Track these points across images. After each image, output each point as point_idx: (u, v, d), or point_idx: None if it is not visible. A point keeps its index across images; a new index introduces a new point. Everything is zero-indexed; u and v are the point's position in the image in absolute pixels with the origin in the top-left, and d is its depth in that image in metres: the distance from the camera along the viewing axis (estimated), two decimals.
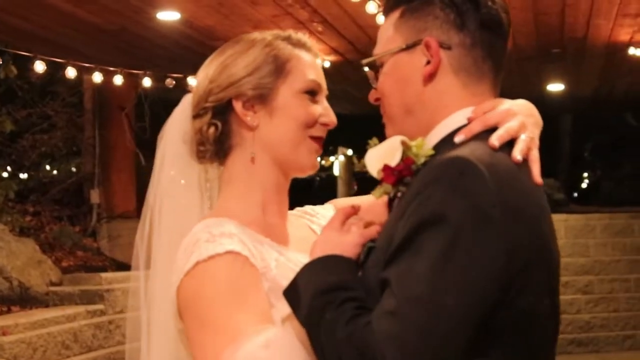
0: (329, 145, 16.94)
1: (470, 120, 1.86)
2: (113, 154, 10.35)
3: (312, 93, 2.16)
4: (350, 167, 17.19)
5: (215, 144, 2.15)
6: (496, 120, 1.83)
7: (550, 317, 1.83)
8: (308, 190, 16.31)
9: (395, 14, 1.97)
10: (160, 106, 10.88)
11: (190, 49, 9.58)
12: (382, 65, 1.98)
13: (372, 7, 7.40)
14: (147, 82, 9.51)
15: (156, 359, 2.15)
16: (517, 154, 1.79)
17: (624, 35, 8.99)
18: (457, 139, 1.83)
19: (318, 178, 16.48)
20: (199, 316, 1.93)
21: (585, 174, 20.45)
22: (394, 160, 1.84)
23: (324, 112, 2.17)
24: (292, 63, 2.16)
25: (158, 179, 2.21)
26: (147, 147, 10.73)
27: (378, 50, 1.99)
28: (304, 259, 1.90)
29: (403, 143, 1.84)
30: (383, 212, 2.05)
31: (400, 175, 1.82)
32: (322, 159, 16.84)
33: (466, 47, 1.90)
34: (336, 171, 17.10)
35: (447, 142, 1.85)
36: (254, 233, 2.06)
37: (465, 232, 1.64)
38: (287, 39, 2.20)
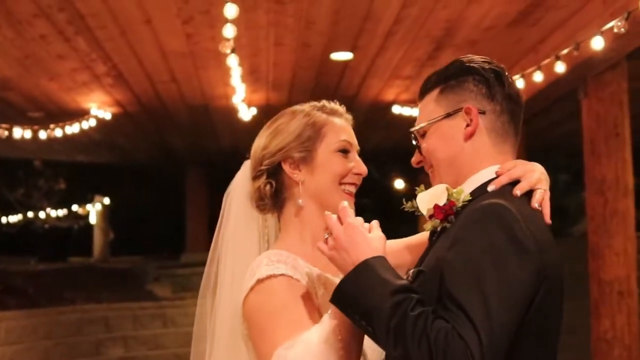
0: (86, 194, 17.06)
1: (498, 174, 2.46)
2: None
3: (344, 151, 2.69)
4: (108, 215, 17.38)
5: (272, 198, 2.67)
6: (518, 175, 2.44)
7: (558, 330, 2.43)
8: (66, 238, 16.35)
9: (434, 93, 2.55)
10: None
11: None
12: (425, 133, 2.56)
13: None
14: None
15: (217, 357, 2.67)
16: (535, 202, 2.40)
17: (390, 95, 9.93)
18: (490, 188, 2.43)
19: (76, 226, 16.54)
20: (259, 327, 2.45)
21: None
22: (441, 202, 2.43)
23: (356, 164, 2.70)
24: (326, 128, 2.67)
25: (225, 227, 2.73)
26: None
27: (422, 121, 2.57)
28: None
29: (447, 189, 2.44)
30: (399, 253, 2.74)
31: (446, 213, 2.42)
32: (79, 207, 16.95)
33: (496, 113, 2.50)
34: (93, 219, 17.22)
35: (480, 190, 2.45)
36: (305, 262, 2.58)
37: (509, 258, 2.22)
38: (322, 109, 2.71)
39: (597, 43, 5.87)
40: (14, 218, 16.89)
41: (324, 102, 2.75)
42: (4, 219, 17.17)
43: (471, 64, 2.53)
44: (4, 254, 15.80)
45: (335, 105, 2.75)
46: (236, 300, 2.59)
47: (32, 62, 8.19)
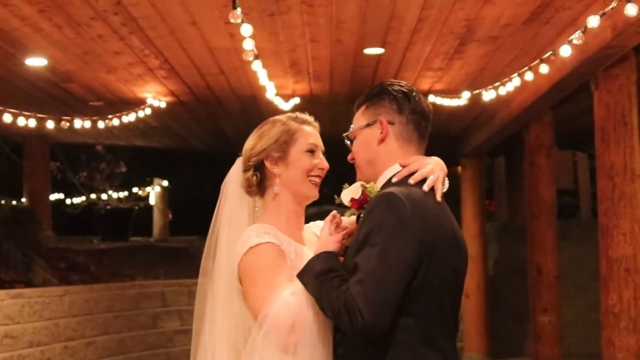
0: (146, 177, 17.85)
1: (403, 166, 3.26)
2: None
3: (311, 151, 3.52)
4: (166, 197, 18.22)
5: (257, 186, 3.52)
6: (416, 168, 3.24)
7: (450, 281, 3.18)
8: (127, 218, 17.10)
9: (362, 108, 3.39)
10: (3, 140, 11.64)
11: (43, 90, 10.57)
12: (354, 137, 3.40)
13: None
14: None
15: (219, 314, 3.49)
16: (425, 187, 3.18)
17: (425, 85, 10.58)
18: (394, 180, 3.24)
19: (136, 207, 17.31)
20: (252, 279, 3.27)
21: None
22: (357, 195, 3.30)
23: (320, 161, 3.53)
24: (298, 134, 3.51)
25: (223, 208, 3.55)
26: None
27: (352, 129, 3.41)
28: (311, 252, 3.32)
29: (362, 185, 3.32)
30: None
31: (361, 204, 3.28)
32: (139, 189, 17.76)
33: (403, 124, 3.33)
34: (152, 201, 18.08)
35: (388, 182, 3.26)
36: (281, 234, 3.39)
37: (395, 233, 3.00)
38: (295, 119, 3.56)
39: (565, 51, 6.55)
40: (78, 200, 17.74)
41: (297, 113, 3.59)
42: (68, 201, 18.05)
43: (388, 87, 3.36)
44: (68, 234, 16.67)
45: (305, 116, 3.59)
46: (231, 263, 3.38)
47: (91, 57, 8.97)
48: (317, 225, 3.68)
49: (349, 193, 3.35)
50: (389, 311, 2.95)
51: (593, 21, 5.99)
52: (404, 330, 3.03)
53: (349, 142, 3.45)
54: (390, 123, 3.31)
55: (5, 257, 11.83)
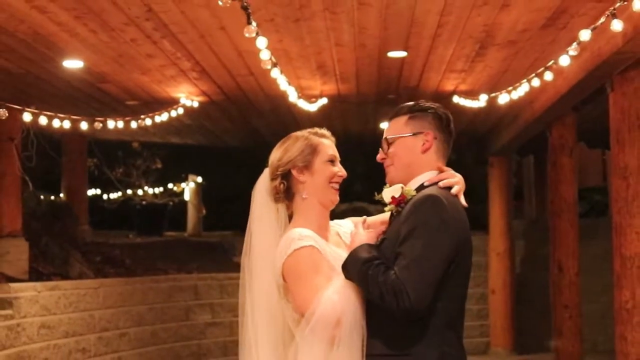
0: (181, 173, 18.23)
1: (440, 171, 3.78)
2: (2, 180, 11.26)
3: (331, 161, 3.97)
4: (201, 192, 18.59)
5: (285, 193, 3.94)
6: (447, 177, 3.75)
7: (468, 274, 3.74)
8: (162, 213, 17.48)
9: (404, 118, 3.84)
10: (43, 138, 11.97)
11: (80, 89, 10.96)
12: (393, 142, 3.83)
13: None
14: (27, 117, 10.47)
15: (257, 305, 3.92)
16: (454, 192, 3.71)
17: (449, 86, 10.85)
18: (426, 183, 3.73)
19: (171, 203, 17.69)
20: (296, 278, 3.72)
21: None
22: (397, 195, 3.73)
23: (339, 170, 3.99)
24: (320, 146, 3.96)
25: (254, 212, 3.99)
26: (33, 174, 11.80)
27: (392, 133, 3.86)
28: (339, 250, 3.83)
29: (402, 187, 3.75)
30: (381, 223, 3.97)
31: (399, 202, 3.72)
32: (174, 185, 18.14)
33: (442, 140, 3.84)
34: (187, 196, 18.46)
35: (421, 187, 3.74)
36: (318, 236, 3.83)
37: (437, 229, 3.52)
38: (316, 134, 4.01)
39: (564, 60, 6.89)
40: (114, 195, 18.15)
41: (316, 129, 4.05)
42: (105, 196, 18.48)
43: (432, 106, 3.87)
44: (105, 228, 17.08)
45: (324, 131, 4.06)
46: (264, 258, 3.89)
47: (125, 60, 9.31)
48: (337, 224, 4.14)
49: (390, 192, 3.79)
50: (430, 294, 3.47)
51: (585, 35, 6.44)
52: (434, 314, 3.56)
53: (386, 145, 3.88)
54: (434, 138, 3.81)
55: (44, 251, 12.23)
